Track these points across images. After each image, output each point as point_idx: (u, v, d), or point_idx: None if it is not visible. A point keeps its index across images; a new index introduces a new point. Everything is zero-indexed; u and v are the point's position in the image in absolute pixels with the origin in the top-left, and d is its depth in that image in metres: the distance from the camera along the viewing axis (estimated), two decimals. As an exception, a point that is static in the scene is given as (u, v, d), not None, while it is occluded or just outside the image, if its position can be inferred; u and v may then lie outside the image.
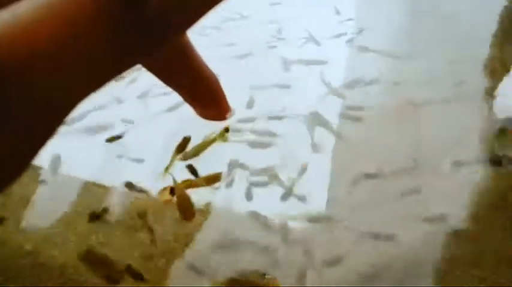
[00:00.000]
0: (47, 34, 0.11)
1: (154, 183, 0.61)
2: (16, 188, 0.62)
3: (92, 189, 0.61)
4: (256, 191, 0.58)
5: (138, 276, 0.51)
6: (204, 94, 0.19)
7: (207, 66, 0.18)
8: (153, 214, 0.57)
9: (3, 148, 0.11)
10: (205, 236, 0.54)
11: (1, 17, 0.11)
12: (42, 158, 0.66)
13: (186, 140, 0.66)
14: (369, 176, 0.59)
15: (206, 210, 0.57)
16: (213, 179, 0.60)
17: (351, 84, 0.73)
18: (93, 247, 0.54)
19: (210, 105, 0.20)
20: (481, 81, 0.74)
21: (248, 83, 0.75)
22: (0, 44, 0.10)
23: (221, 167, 0.62)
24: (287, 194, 0.57)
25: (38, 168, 0.64)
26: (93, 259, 0.55)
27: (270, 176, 0.60)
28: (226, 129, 0.64)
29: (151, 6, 0.11)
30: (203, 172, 0.61)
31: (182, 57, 0.17)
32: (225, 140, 0.65)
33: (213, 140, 0.64)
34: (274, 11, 0.93)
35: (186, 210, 0.57)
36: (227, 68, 0.72)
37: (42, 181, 0.63)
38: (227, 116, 0.21)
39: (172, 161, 0.64)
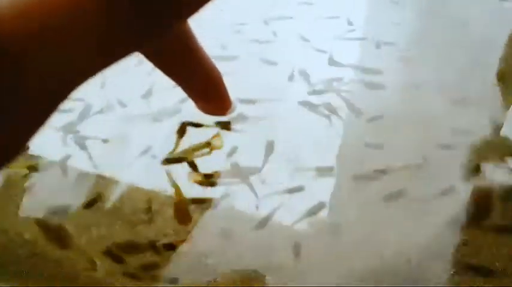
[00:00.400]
0: (57, 8, 0.11)
1: (154, 175, 0.61)
2: (18, 177, 0.62)
3: (95, 181, 0.61)
4: (257, 189, 0.58)
5: (117, 259, 0.51)
6: (206, 88, 0.19)
7: (210, 60, 0.18)
8: (154, 207, 0.57)
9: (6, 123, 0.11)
10: (204, 233, 0.54)
11: None
12: (50, 151, 0.66)
13: (184, 125, 0.67)
14: (378, 172, 0.59)
15: (206, 207, 0.57)
16: (210, 177, 0.61)
17: (361, 87, 0.73)
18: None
19: (212, 100, 0.20)
20: (490, 88, 0.74)
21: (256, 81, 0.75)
22: (15, 17, 0.10)
23: (222, 162, 0.62)
24: (291, 192, 0.57)
25: (41, 158, 0.64)
26: (47, 227, 0.56)
27: (272, 172, 0.60)
28: (208, 143, 0.65)
29: None
30: (204, 166, 0.62)
31: (185, 50, 0.17)
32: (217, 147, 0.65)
33: (199, 148, 0.64)
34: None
35: (183, 214, 0.57)
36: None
37: (46, 171, 0.63)
38: (228, 111, 0.20)
39: (176, 145, 0.65)
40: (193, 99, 0.20)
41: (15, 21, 0.10)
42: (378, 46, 0.83)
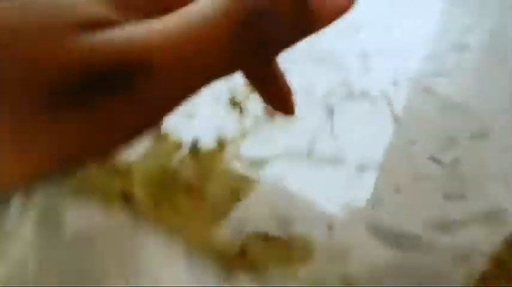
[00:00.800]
0: (191, 46, 0.14)
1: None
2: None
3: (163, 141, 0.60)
4: (312, 173, 0.59)
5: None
6: (278, 98, 0.23)
7: (284, 75, 0.23)
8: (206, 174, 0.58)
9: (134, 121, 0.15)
10: (250, 209, 0.56)
11: (173, 22, 0.14)
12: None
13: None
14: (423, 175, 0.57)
15: (254, 183, 0.58)
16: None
17: (430, 106, 0.68)
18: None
19: (281, 105, 0.24)
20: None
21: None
22: (156, 48, 0.14)
23: (274, 147, 0.63)
24: (347, 182, 0.58)
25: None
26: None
27: (330, 160, 0.61)
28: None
29: (262, 31, 0.15)
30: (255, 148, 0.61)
31: (269, 68, 0.21)
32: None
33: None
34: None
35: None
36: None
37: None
38: (290, 115, 0.25)
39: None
40: (265, 102, 0.24)
41: (167, 51, 0.14)
42: (448, 72, 0.76)
